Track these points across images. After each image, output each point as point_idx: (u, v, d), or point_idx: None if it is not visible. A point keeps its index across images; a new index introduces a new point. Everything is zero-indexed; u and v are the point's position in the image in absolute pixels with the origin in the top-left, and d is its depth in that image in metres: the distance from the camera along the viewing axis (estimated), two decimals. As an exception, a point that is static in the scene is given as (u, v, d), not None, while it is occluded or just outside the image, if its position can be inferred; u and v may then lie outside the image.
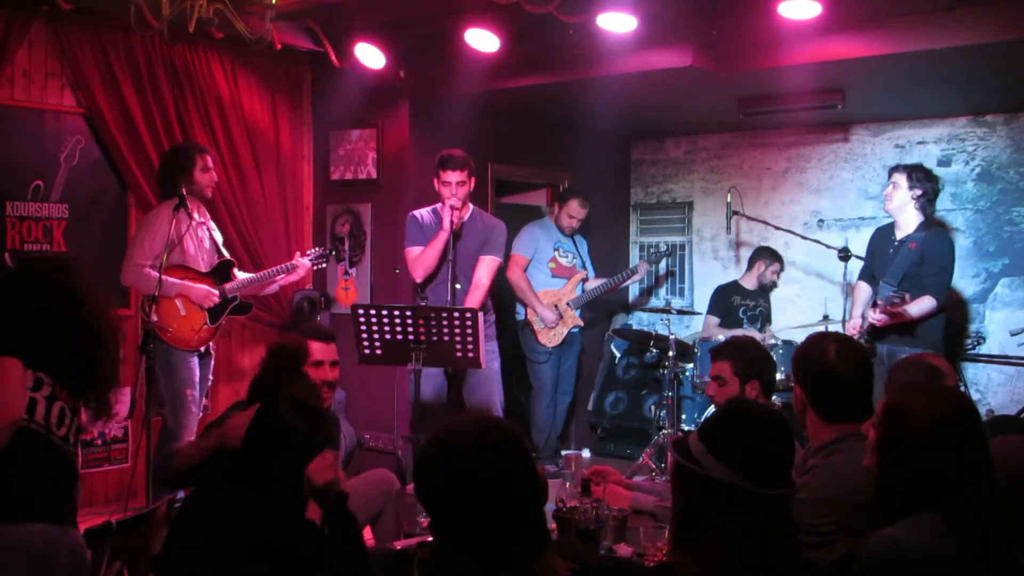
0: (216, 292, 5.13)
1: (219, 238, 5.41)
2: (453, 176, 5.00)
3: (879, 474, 2.23)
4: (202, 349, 5.18)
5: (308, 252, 5.56)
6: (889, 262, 5.24)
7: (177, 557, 2.49)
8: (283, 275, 5.43)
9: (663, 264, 7.73)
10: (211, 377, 5.41)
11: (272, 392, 2.79)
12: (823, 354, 2.82)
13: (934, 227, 5.39)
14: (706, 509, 1.94)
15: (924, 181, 5.21)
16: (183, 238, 5.06)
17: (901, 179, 5.20)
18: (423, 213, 5.23)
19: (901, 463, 2.19)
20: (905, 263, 5.14)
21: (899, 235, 5.28)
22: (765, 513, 1.93)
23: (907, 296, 4.87)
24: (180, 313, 5.05)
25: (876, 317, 5.01)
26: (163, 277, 4.87)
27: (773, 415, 2.08)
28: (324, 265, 5.71)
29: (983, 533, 2.10)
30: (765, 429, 2.01)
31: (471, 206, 5.26)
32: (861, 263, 5.68)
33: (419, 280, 5.12)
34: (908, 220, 5.24)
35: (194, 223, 5.12)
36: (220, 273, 5.24)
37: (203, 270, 5.17)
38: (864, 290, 5.49)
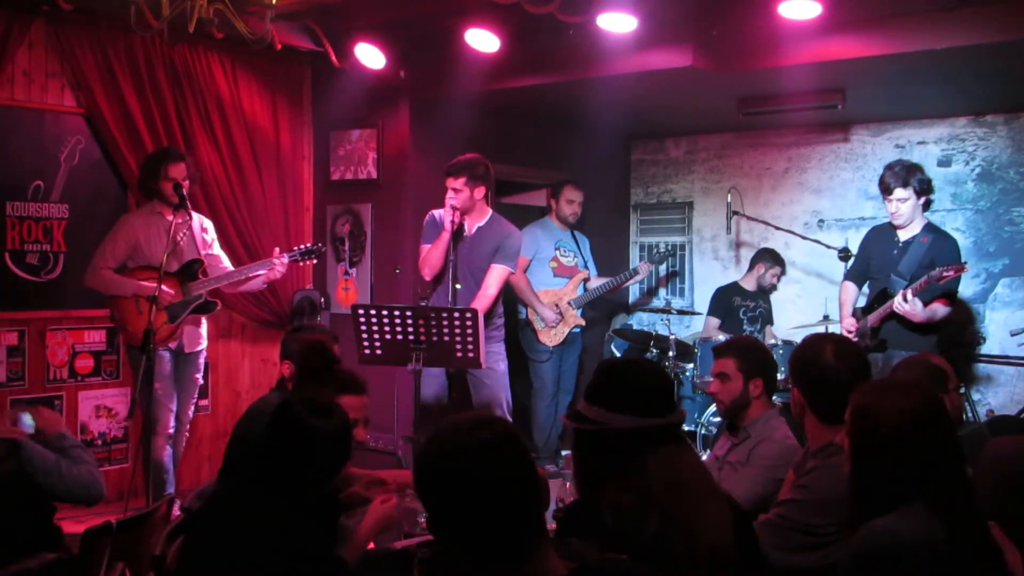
0: (169, 290, 5.11)
1: (208, 237, 5.40)
2: (449, 182, 5.03)
3: (856, 478, 2.25)
4: (172, 346, 5.20)
5: (294, 249, 5.48)
6: (894, 261, 5.21)
7: (196, 561, 2.47)
8: (257, 273, 5.38)
9: (664, 266, 7.72)
10: (199, 378, 5.44)
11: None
12: (820, 355, 2.82)
13: (938, 229, 5.36)
14: (615, 459, 2.18)
15: (923, 182, 5.17)
16: (152, 239, 5.16)
17: (907, 192, 5.11)
18: (440, 212, 5.23)
19: (877, 462, 2.21)
20: (915, 261, 5.12)
21: (903, 236, 5.24)
22: (669, 437, 2.21)
23: (956, 267, 4.86)
24: (138, 312, 5.10)
25: (906, 307, 4.93)
26: (118, 277, 5.10)
27: (641, 359, 2.42)
28: (314, 261, 5.59)
29: (964, 518, 2.14)
30: (642, 371, 2.31)
31: (490, 211, 5.22)
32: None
33: (427, 279, 5.14)
34: (916, 223, 5.23)
35: (171, 223, 5.13)
36: (186, 272, 5.22)
37: (171, 270, 5.15)
38: (852, 290, 5.45)
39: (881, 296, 5.19)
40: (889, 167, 5.24)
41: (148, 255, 5.16)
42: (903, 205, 5.14)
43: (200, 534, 2.52)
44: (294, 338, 3.93)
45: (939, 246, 5.15)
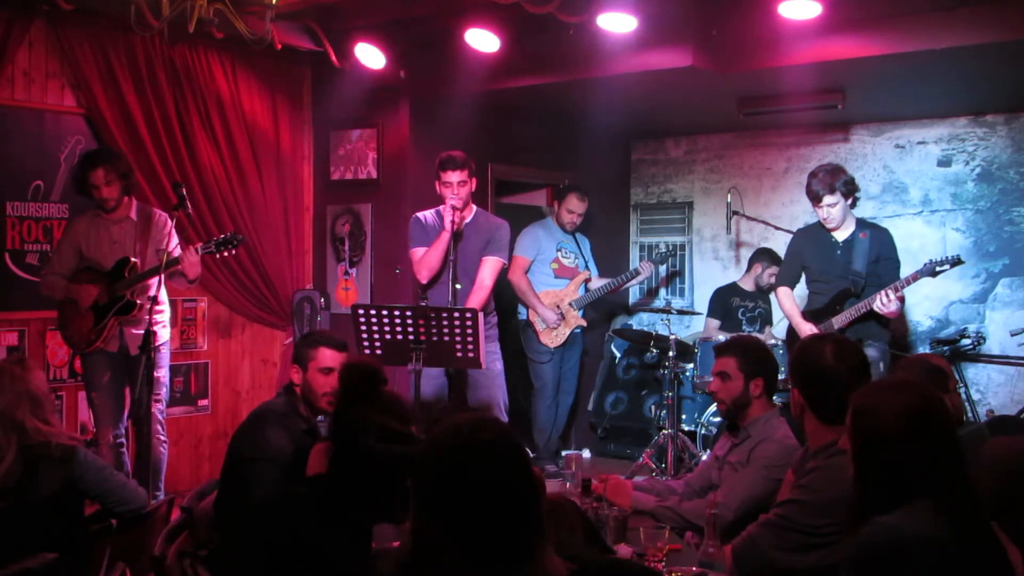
0: (88, 291, 4.95)
1: (165, 239, 5.05)
2: (454, 176, 5.00)
3: (859, 478, 2.26)
4: (112, 350, 5.00)
5: (209, 240, 5.12)
6: (841, 262, 5.21)
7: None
8: (174, 269, 4.99)
9: (665, 266, 7.72)
10: (161, 378, 5.07)
11: (352, 422, 2.73)
12: (820, 356, 2.82)
13: (869, 223, 5.45)
14: None
15: (848, 183, 5.20)
16: (92, 241, 5.00)
17: (835, 197, 5.15)
18: (426, 215, 5.23)
19: (878, 462, 2.22)
20: (864, 258, 5.15)
21: (840, 236, 5.27)
22: None
23: (953, 259, 5.00)
24: (73, 315, 4.98)
25: (892, 307, 4.96)
26: (52, 279, 4.99)
27: None
28: (232, 251, 5.10)
29: (968, 515, 2.14)
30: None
31: (474, 207, 5.25)
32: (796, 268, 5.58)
33: (424, 281, 5.12)
34: (848, 223, 5.27)
35: (108, 222, 5.02)
36: (114, 273, 4.99)
37: (106, 269, 4.99)
38: (791, 296, 5.44)
39: (841, 297, 5.19)
40: (812, 175, 5.26)
41: (89, 258, 5.01)
42: (833, 209, 5.19)
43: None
44: (304, 341, 3.88)
45: (878, 238, 5.24)
